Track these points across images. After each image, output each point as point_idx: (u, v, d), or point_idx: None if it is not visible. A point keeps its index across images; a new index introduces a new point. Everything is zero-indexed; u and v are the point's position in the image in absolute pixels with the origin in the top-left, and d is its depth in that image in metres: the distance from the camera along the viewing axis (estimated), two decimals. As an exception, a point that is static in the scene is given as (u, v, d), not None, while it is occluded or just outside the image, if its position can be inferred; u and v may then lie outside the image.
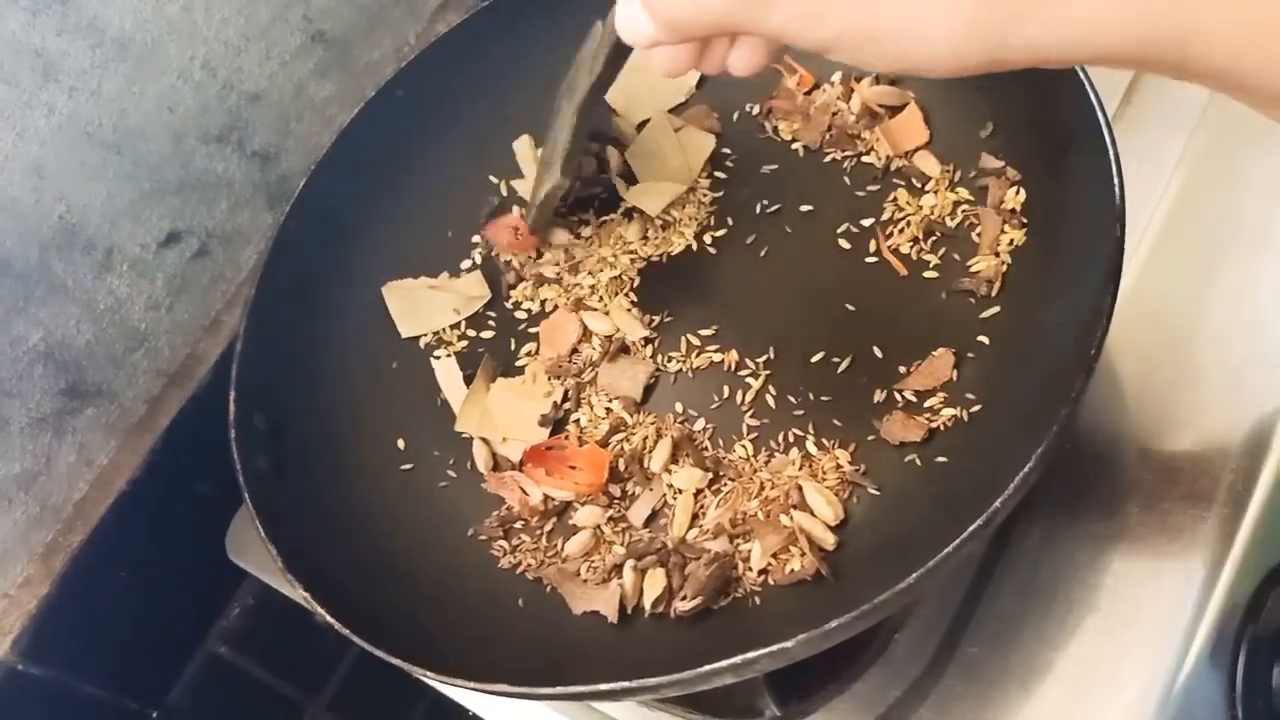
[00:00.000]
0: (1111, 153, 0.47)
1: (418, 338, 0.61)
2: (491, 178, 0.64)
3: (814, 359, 0.54)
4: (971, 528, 0.40)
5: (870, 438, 0.51)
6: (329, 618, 0.46)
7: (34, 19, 0.55)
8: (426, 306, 0.62)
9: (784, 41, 0.35)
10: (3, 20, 0.54)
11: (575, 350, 0.58)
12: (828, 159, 0.59)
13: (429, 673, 0.43)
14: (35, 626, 0.63)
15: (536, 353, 0.59)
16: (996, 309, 0.52)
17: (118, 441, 0.67)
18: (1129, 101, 0.62)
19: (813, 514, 0.49)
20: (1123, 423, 0.54)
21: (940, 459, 0.49)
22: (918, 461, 0.49)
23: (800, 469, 0.51)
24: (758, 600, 0.48)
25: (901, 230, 0.56)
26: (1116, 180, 0.46)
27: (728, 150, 0.62)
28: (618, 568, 0.50)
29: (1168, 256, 0.58)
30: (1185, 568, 0.50)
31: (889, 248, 0.55)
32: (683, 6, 0.35)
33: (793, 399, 0.53)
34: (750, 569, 0.49)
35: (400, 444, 0.58)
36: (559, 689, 0.42)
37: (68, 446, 0.65)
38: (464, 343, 0.61)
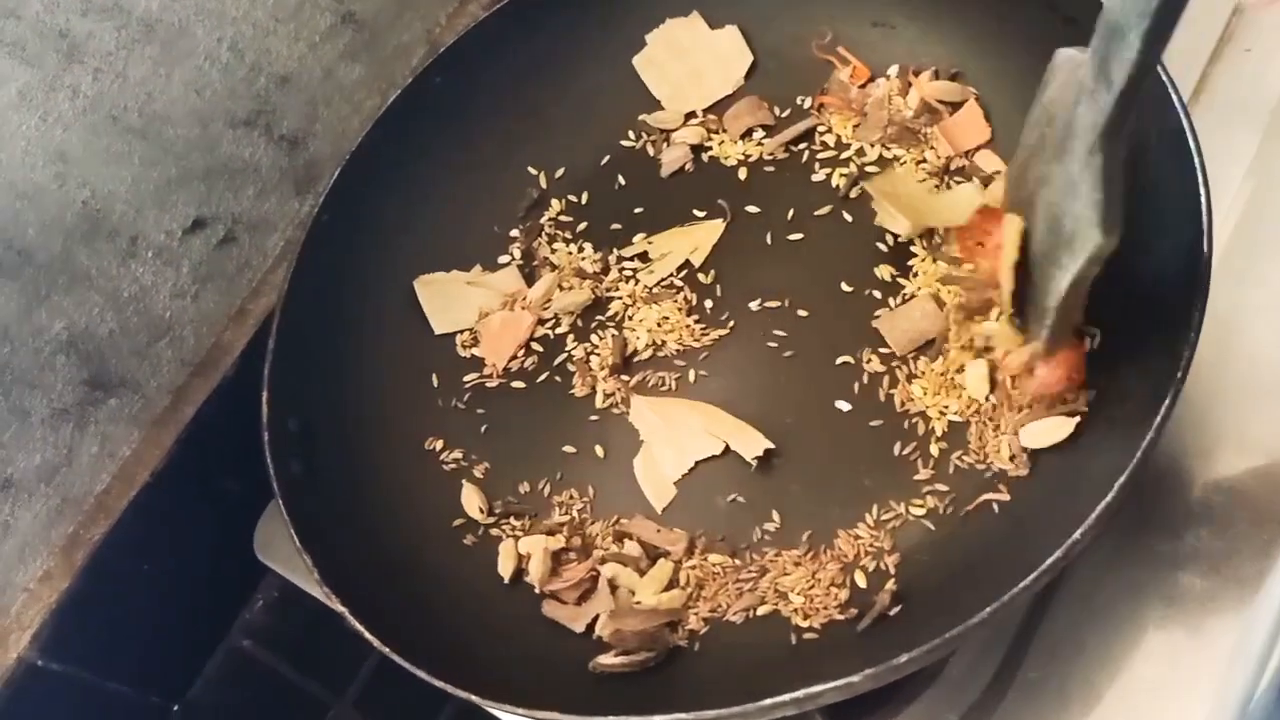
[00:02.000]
0: (1196, 159, 0.45)
1: (453, 334, 0.59)
2: (530, 169, 0.62)
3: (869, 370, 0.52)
4: (1050, 560, 0.38)
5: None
6: (367, 634, 0.45)
7: (58, -2, 0.53)
8: (460, 302, 0.60)
9: None
10: (26, 0, 0.52)
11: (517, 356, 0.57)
12: (885, 155, 0.57)
13: (475, 697, 0.42)
14: (56, 621, 0.62)
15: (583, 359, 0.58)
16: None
17: (141, 433, 0.66)
18: (1196, 100, 0.60)
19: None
20: (1189, 440, 0.52)
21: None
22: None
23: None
24: (815, 632, 0.46)
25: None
26: (1202, 189, 0.44)
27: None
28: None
29: (1235, 265, 0.56)
30: (1256, 591, 0.48)
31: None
32: None
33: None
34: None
35: (433, 444, 0.56)
36: (615, 718, 0.40)
37: (90, 438, 0.63)
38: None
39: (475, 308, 0.59)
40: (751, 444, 0.51)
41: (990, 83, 0.56)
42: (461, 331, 0.60)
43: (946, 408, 0.50)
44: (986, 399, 0.49)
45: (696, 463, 0.53)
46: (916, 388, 0.51)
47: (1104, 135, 0.38)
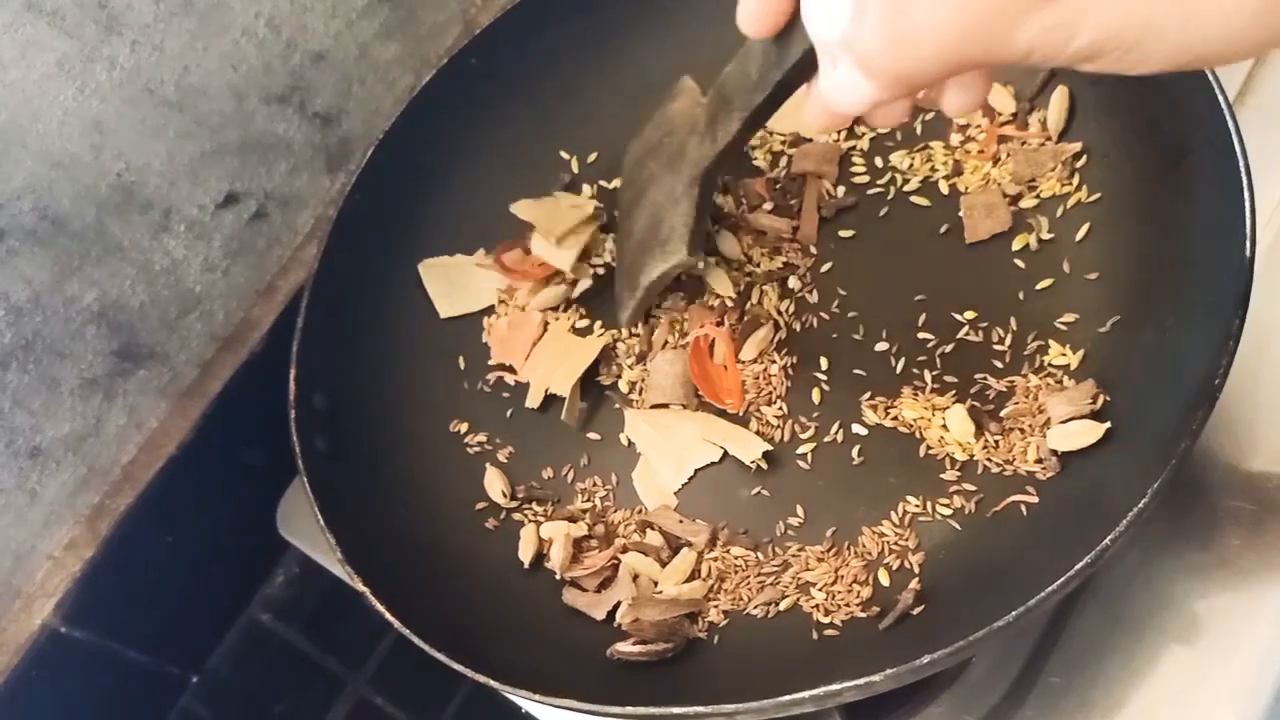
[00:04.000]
0: (1241, 161, 0.44)
1: (481, 317, 0.59)
2: (563, 153, 0.62)
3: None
4: (1078, 565, 0.38)
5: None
6: (388, 614, 0.45)
7: (99, -31, 0.53)
8: (465, 285, 0.59)
9: (1030, 64, 0.29)
10: (66, -31, 0.52)
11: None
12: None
13: (493, 681, 0.42)
14: (79, 589, 0.63)
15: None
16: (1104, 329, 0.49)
17: (168, 405, 0.66)
18: (1242, 102, 0.59)
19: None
20: (1224, 447, 0.51)
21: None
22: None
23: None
24: (836, 629, 0.46)
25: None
26: (1247, 192, 0.43)
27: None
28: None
29: (1275, 269, 0.55)
30: (1286, 604, 0.47)
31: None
32: (911, 56, 0.29)
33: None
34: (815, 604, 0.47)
35: (458, 427, 0.56)
36: (629, 709, 0.40)
37: (118, 409, 0.63)
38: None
39: (482, 291, 0.59)
40: (749, 448, 0.51)
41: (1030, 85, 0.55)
42: (484, 312, 0.59)
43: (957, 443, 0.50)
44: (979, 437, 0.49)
45: (696, 470, 0.52)
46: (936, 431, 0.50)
47: (704, 174, 0.45)
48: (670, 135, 0.48)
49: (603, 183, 0.61)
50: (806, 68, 0.37)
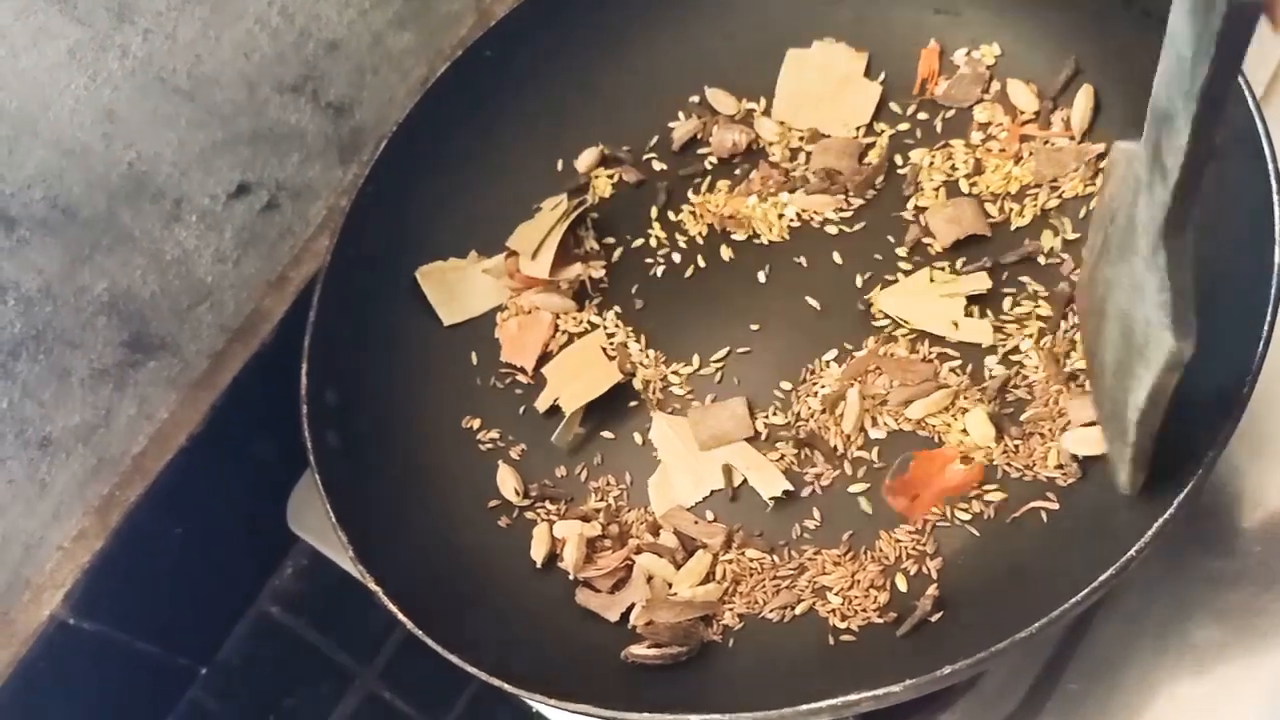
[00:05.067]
0: (1271, 164, 0.43)
1: (493, 313, 0.58)
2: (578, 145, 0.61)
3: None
4: (1103, 576, 0.37)
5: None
6: (400, 614, 0.45)
7: (111, -44, 0.52)
8: (466, 289, 0.59)
9: None
10: (79, -44, 0.51)
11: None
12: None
13: (507, 685, 0.41)
14: (88, 580, 0.62)
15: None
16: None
17: (179, 396, 0.66)
18: (1269, 100, 0.58)
19: None
20: (1245, 455, 0.50)
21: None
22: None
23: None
24: (853, 635, 0.45)
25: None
26: (1275, 193, 0.42)
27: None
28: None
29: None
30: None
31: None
32: None
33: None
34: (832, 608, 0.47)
35: (470, 424, 0.55)
36: (645, 716, 0.39)
37: (128, 399, 0.63)
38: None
39: (485, 293, 0.58)
40: (770, 484, 0.50)
41: (1043, 77, 0.54)
42: (496, 309, 0.59)
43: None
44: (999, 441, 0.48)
45: (712, 491, 0.52)
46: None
47: (1166, 230, 0.35)
48: (1113, 222, 0.40)
49: (615, 172, 0.61)
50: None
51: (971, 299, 0.51)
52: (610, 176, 0.60)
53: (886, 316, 0.52)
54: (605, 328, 0.57)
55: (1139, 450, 0.39)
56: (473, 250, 0.60)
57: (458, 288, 0.59)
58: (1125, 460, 0.40)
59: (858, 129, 0.58)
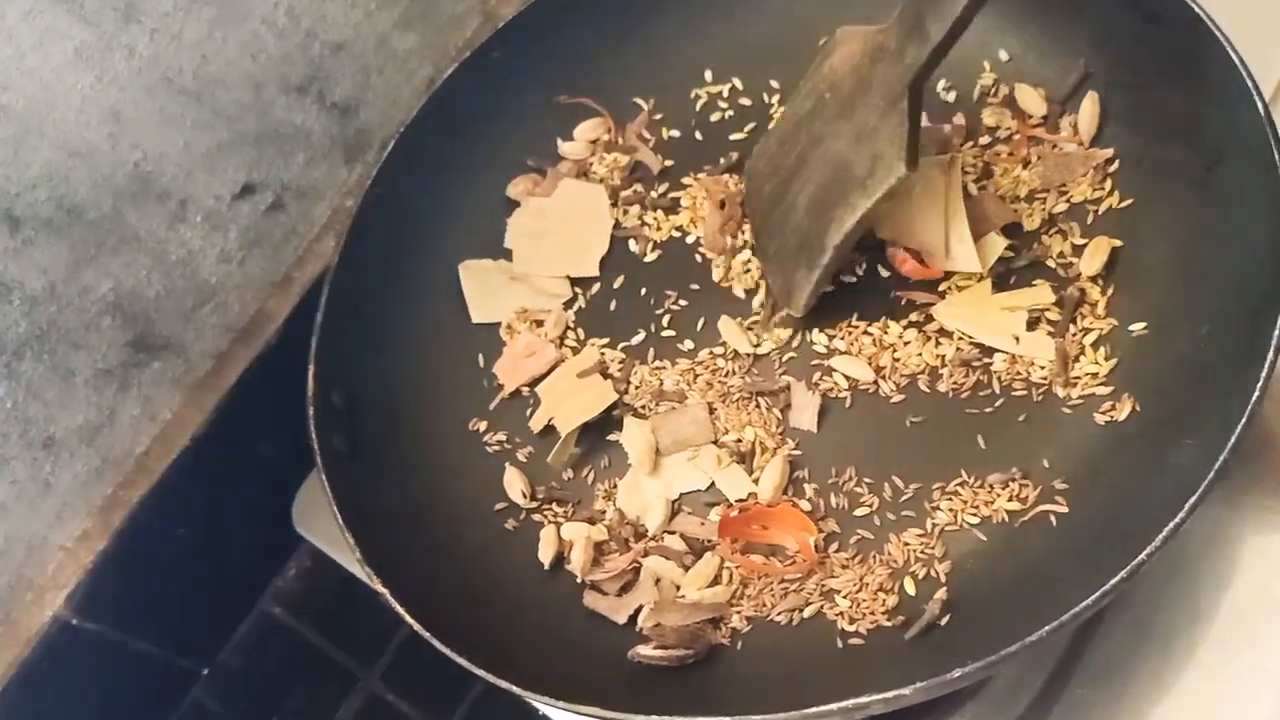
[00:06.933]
0: (1280, 165, 0.43)
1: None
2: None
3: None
4: (1113, 580, 0.37)
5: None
6: (408, 617, 0.45)
7: (118, -45, 0.52)
8: (500, 293, 0.59)
9: None
10: (86, -44, 0.51)
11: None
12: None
13: (515, 687, 0.41)
14: (91, 581, 0.62)
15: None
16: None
17: (182, 397, 0.65)
18: (1278, 102, 0.58)
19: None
20: (1256, 458, 0.50)
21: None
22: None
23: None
24: (861, 638, 0.45)
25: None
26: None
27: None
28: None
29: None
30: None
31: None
32: None
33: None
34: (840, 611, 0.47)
35: (477, 426, 0.55)
36: (654, 719, 0.39)
37: (132, 400, 0.63)
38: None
39: (514, 302, 0.58)
40: (736, 487, 0.50)
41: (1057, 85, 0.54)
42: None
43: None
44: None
45: (682, 494, 0.52)
46: None
47: (913, 84, 0.44)
48: (833, 88, 0.48)
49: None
50: None
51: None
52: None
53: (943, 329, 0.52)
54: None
55: (825, 271, 0.49)
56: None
57: (495, 288, 0.59)
58: (809, 283, 0.50)
59: None
